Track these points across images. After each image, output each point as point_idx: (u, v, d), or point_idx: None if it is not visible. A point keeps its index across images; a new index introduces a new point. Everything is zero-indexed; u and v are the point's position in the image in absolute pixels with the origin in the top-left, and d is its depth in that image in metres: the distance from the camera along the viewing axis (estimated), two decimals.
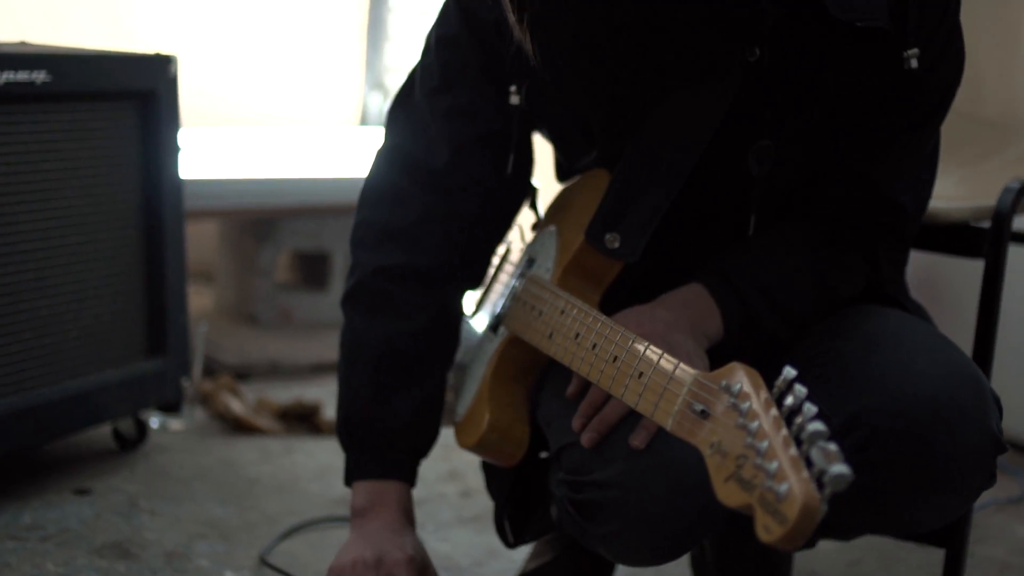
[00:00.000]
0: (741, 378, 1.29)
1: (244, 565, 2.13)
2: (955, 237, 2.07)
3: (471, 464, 2.56)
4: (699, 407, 1.34)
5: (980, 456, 1.55)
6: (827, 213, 1.70)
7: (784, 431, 1.20)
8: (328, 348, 3.42)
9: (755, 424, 1.23)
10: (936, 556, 2.22)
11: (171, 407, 2.64)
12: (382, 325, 1.79)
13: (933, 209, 1.79)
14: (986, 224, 2.02)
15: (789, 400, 1.22)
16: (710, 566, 1.95)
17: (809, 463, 1.16)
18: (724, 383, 1.31)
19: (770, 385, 1.27)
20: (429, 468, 2.57)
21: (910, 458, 1.52)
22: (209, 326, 2.94)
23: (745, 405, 1.26)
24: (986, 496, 1.71)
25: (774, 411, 1.23)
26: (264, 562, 2.14)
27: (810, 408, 1.19)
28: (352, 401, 1.81)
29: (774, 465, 1.17)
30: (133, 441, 2.59)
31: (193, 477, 2.51)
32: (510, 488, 1.82)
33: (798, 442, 1.18)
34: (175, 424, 2.76)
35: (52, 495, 2.33)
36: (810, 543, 1.89)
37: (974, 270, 2.11)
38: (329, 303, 3.71)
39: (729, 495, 1.23)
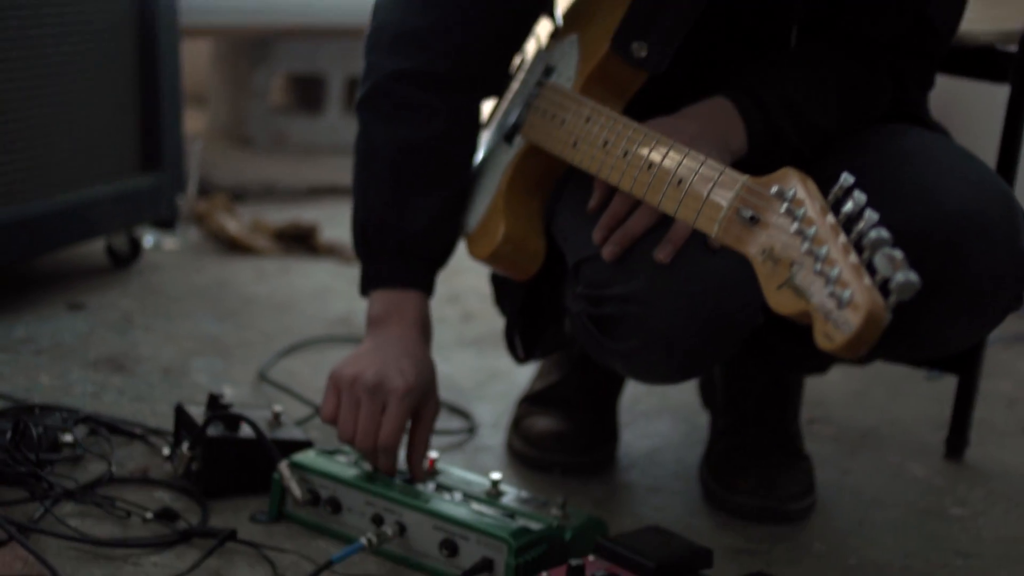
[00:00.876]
0: (795, 183, 1.25)
1: (243, 381, 2.10)
2: (980, 60, 2.02)
3: (471, 287, 2.53)
4: (748, 213, 1.29)
5: (1009, 274, 1.53)
6: (856, 29, 1.65)
7: (843, 237, 1.16)
8: (324, 171, 3.38)
9: (812, 230, 1.19)
10: (942, 388, 2.21)
11: (165, 223, 2.58)
12: (398, 129, 1.72)
13: (959, 31, 1.75)
14: (1012, 48, 1.97)
15: (848, 207, 1.18)
16: (718, 393, 1.92)
17: (871, 271, 1.13)
18: (776, 188, 1.27)
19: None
20: None
21: (940, 272, 1.48)
22: (203, 145, 2.88)
23: (800, 211, 1.22)
24: (993, 334, 1.69)
25: (831, 217, 1.19)
26: (264, 378, 2.11)
27: (872, 215, 1.16)
28: (368, 208, 1.74)
29: (835, 271, 1.14)
30: (126, 258, 2.55)
31: (188, 295, 2.47)
32: (521, 303, 1.78)
33: (858, 249, 1.15)
34: (169, 242, 2.72)
35: (45, 309, 2.29)
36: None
37: (994, 97, 2.07)
38: (325, 127, 3.66)
39: (782, 302, 1.20)
